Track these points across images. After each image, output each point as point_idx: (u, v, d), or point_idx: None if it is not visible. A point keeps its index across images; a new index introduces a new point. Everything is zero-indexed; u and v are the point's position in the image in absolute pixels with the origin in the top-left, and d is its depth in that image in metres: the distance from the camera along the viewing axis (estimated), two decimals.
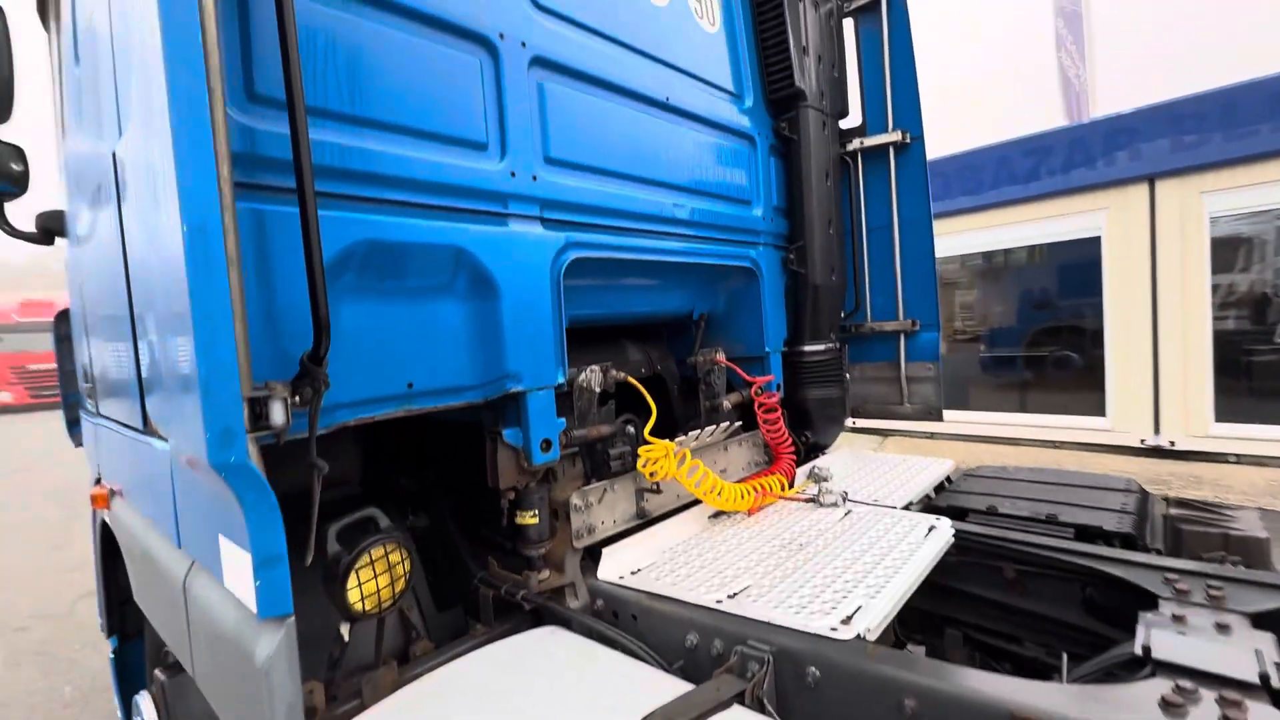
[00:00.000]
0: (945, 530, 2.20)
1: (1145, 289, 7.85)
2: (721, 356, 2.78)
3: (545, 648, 1.68)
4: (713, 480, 2.33)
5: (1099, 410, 8.34)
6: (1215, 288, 7.79)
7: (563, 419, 1.97)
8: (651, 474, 2.17)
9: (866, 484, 2.86)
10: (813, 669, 1.47)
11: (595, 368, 2.15)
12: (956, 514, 2.52)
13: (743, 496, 2.45)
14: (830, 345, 3.22)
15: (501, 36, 1.79)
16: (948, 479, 3.12)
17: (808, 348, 3.16)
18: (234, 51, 1.28)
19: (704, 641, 1.65)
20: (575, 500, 2.02)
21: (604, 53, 2.15)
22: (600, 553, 2.05)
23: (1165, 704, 1.20)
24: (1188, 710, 1.19)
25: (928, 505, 2.68)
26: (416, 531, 2.43)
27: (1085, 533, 2.22)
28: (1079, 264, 8.94)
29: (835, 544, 2.14)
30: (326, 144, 1.40)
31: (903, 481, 2.88)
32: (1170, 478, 6.89)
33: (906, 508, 2.59)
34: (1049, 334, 10.63)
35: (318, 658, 1.63)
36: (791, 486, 2.79)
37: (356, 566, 1.52)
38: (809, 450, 3.23)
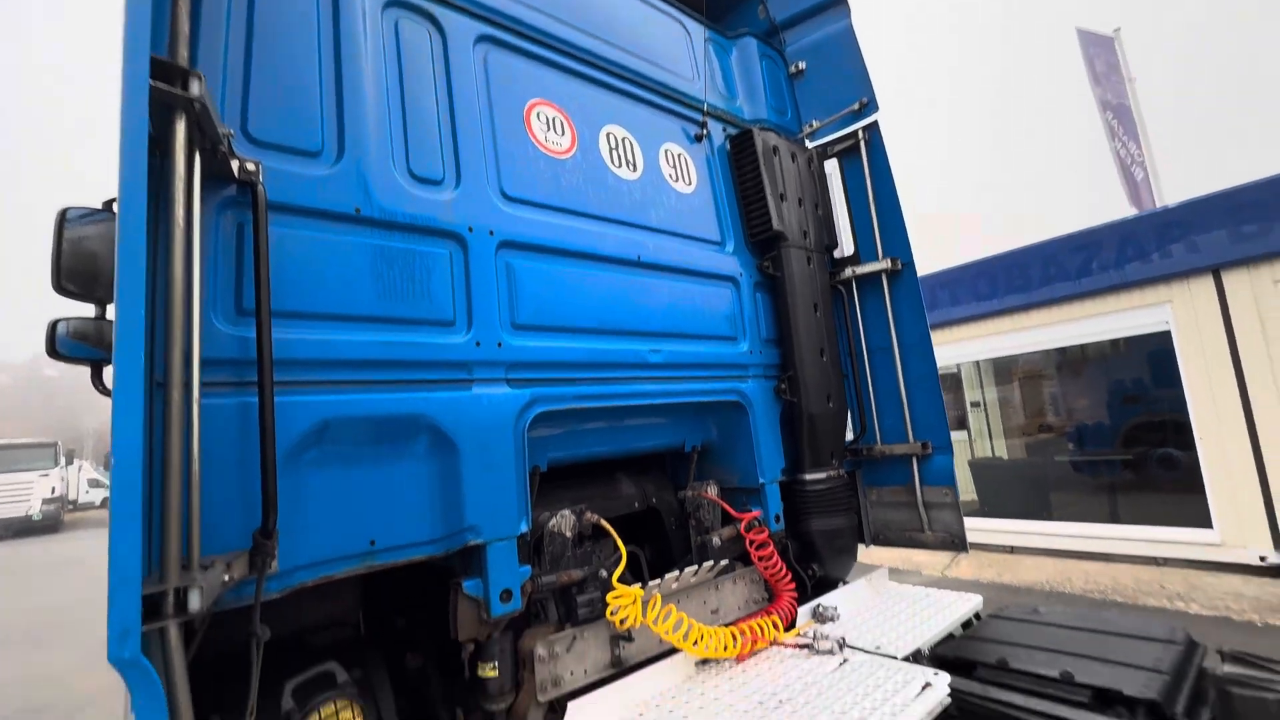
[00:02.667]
0: (940, 690, 2.03)
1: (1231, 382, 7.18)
2: (710, 491, 2.80)
3: None
4: (688, 626, 2.28)
5: (1205, 520, 7.41)
6: None
7: (528, 567, 2.05)
8: (621, 621, 2.16)
9: (876, 625, 2.69)
10: None
11: (567, 512, 2.23)
12: (964, 666, 2.31)
13: (729, 642, 2.37)
14: (834, 473, 3.16)
15: (470, 230, 2.09)
16: (976, 616, 2.87)
17: (809, 476, 3.11)
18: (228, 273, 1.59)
19: None
20: (540, 650, 2.03)
21: (572, 226, 2.43)
22: (568, 706, 2.03)
23: None
24: None
25: (937, 654, 2.47)
26: (413, 672, 2.48)
27: (1103, 696, 1.98)
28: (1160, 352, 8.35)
29: (818, 701, 2.02)
30: (291, 340, 1.66)
31: (918, 622, 2.69)
32: None
33: (913, 655, 2.40)
34: (1145, 429, 9.74)
35: None
36: (792, 627, 2.66)
37: None
38: (818, 585, 3.09)
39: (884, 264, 3.35)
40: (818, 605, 2.80)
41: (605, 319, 2.47)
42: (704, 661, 2.43)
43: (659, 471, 3.17)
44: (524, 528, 2.05)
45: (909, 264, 3.34)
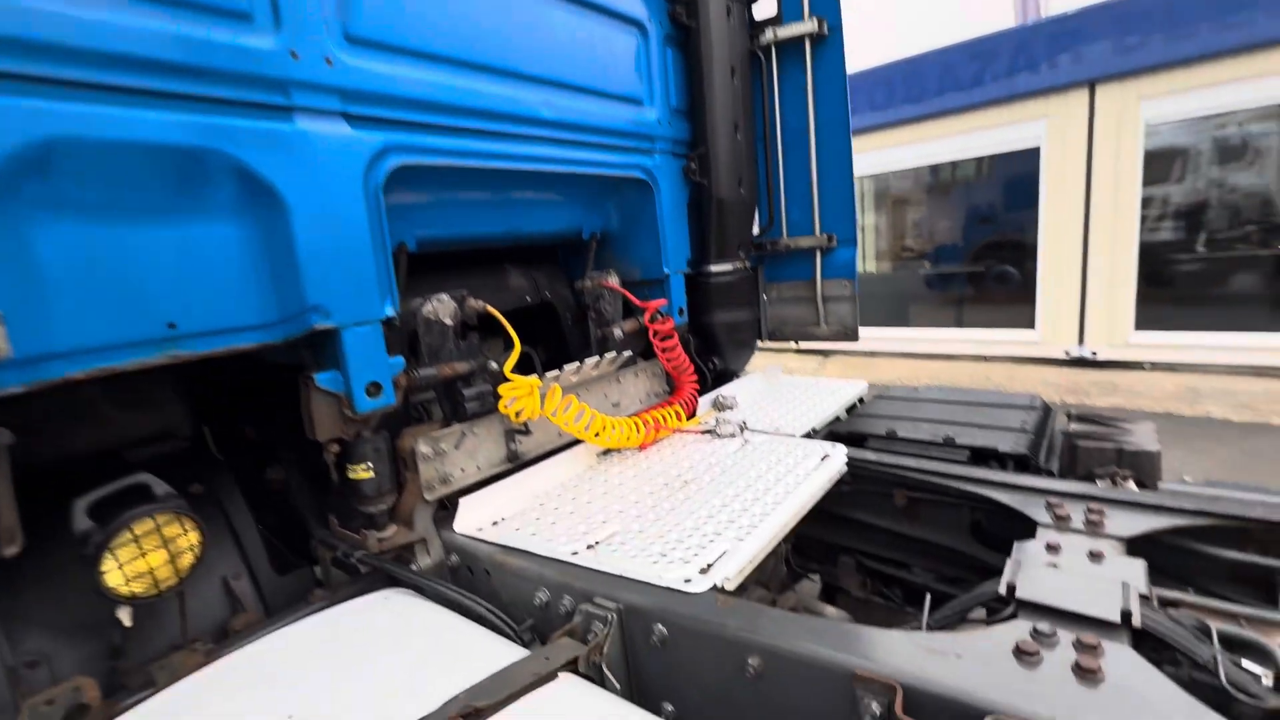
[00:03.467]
0: (838, 460, 2.07)
1: (1080, 201, 7.82)
2: (611, 280, 2.52)
3: (372, 616, 1.49)
4: (590, 417, 2.12)
5: (1030, 323, 8.51)
6: (1146, 200, 7.83)
7: (400, 359, 1.70)
8: (517, 414, 1.94)
9: (772, 411, 2.72)
10: (659, 627, 1.32)
11: (445, 297, 1.86)
12: (856, 439, 2.40)
13: (631, 432, 2.27)
14: (739, 265, 2.99)
15: None
16: (860, 401, 3.01)
17: (714, 268, 2.91)
18: None
19: (554, 599, 1.49)
20: (423, 448, 1.78)
21: None
22: (459, 502, 1.85)
23: (1019, 651, 1.09)
24: (1041, 658, 1.08)
25: (831, 431, 2.56)
26: (275, 484, 2.18)
27: (980, 455, 2.13)
28: (1023, 177, 8.82)
29: (722, 479, 1.99)
30: None
31: (811, 406, 2.75)
32: (1091, 387, 7.13)
33: (809, 434, 2.46)
34: (993, 248, 10.70)
35: (97, 648, 1.41)
36: (693, 417, 2.62)
37: (112, 545, 1.26)
38: (718, 377, 3.06)
39: (809, 25, 2.89)
40: (718, 395, 2.76)
41: (483, 50, 1.89)
42: (606, 452, 2.33)
43: (552, 265, 2.82)
44: (389, 312, 1.66)
45: (837, 28, 2.91)
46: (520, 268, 2.59)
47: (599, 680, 1.27)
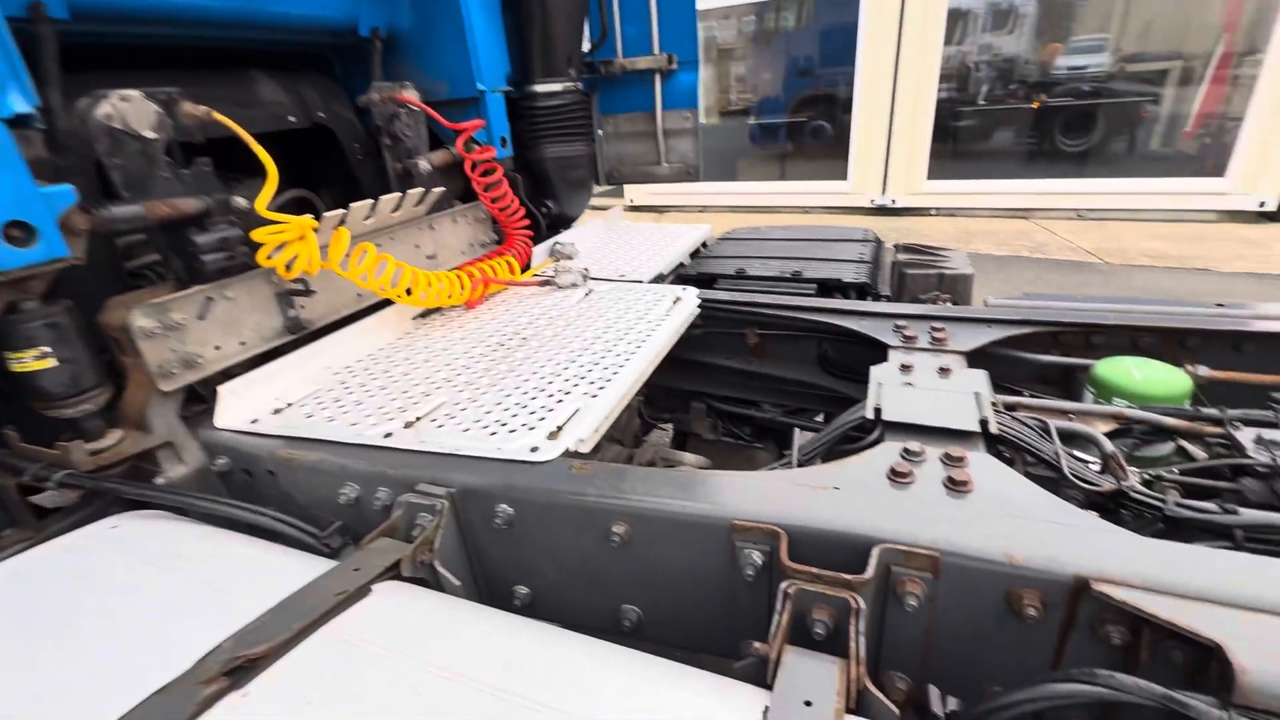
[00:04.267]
0: (690, 301, 1.90)
1: (891, 56, 8.06)
2: (410, 94, 1.94)
3: (97, 551, 1.06)
4: (398, 271, 1.69)
5: (843, 175, 9.01)
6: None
7: (67, 188, 1.11)
8: (287, 267, 1.45)
9: (616, 258, 2.46)
10: (504, 507, 1.08)
11: (135, 94, 1.23)
12: (706, 281, 2.26)
13: (455, 288, 1.88)
14: (571, 85, 2.52)
15: None
16: (704, 244, 2.86)
17: (540, 88, 2.42)
18: None
19: (365, 494, 1.17)
20: (141, 321, 1.25)
21: None
22: (217, 391, 1.38)
23: (894, 474, 1.02)
24: (915, 477, 1.02)
25: (679, 275, 2.39)
26: None
27: (826, 287, 2.09)
28: (838, 29, 8.83)
29: (568, 332, 1.73)
30: None
31: (656, 251, 2.53)
32: (891, 233, 7.86)
33: (657, 279, 2.26)
34: (810, 102, 10.96)
35: None
36: (528, 269, 2.28)
37: None
38: (552, 224, 2.69)
39: None
40: (555, 243, 2.42)
41: None
42: (426, 314, 1.93)
43: (324, 78, 2.13)
44: (19, 107, 1.04)
45: None
46: (276, 77, 1.90)
47: (433, 581, 1.02)
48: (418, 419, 1.30)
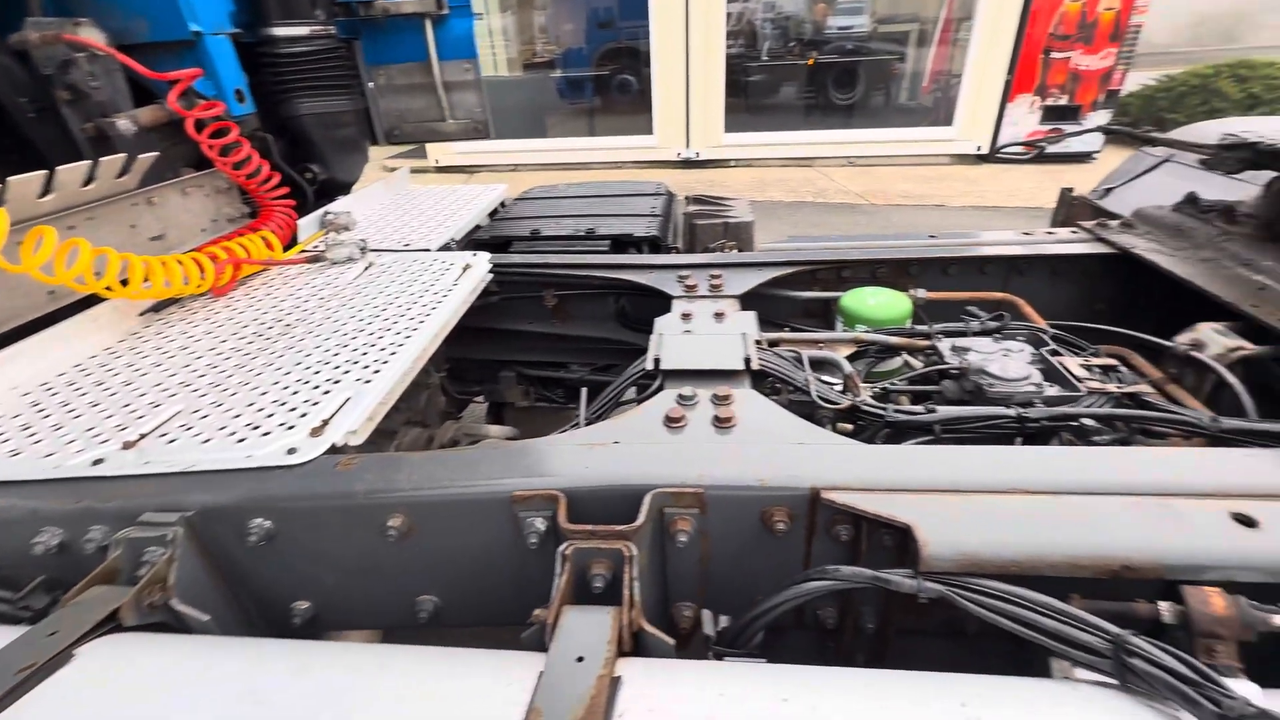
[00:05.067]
0: (481, 267, 1.81)
1: (681, 10, 8.26)
2: (88, 35, 1.55)
3: None
4: (100, 258, 1.38)
5: (649, 129, 9.20)
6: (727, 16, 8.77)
7: None
8: None
9: (401, 226, 2.27)
10: (259, 522, 0.95)
11: None
12: (500, 244, 2.17)
13: (194, 274, 1.59)
14: (321, 29, 2.20)
15: None
16: (502, 205, 2.74)
17: (280, 31, 2.08)
18: None
19: (73, 538, 0.96)
20: None
21: None
22: None
23: (668, 420, 1.08)
24: (687, 420, 1.08)
25: (472, 240, 2.27)
26: None
27: (619, 243, 2.12)
28: None
29: (341, 313, 1.56)
30: None
31: (447, 216, 2.37)
32: (697, 184, 8.26)
33: (448, 247, 2.12)
34: (613, 55, 10.93)
35: None
36: (293, 245, 2.01)
37: None
38: (323, 192, 2.39)
39: None
40: (325, 213, 2.15)
41: None
42: (159, 308, 1.62)
43: None
44: None
45: None
46: None
47: (175, 623, 0.87)
48: (141, 436, 1.09)
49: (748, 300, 1.67)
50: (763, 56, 10.44)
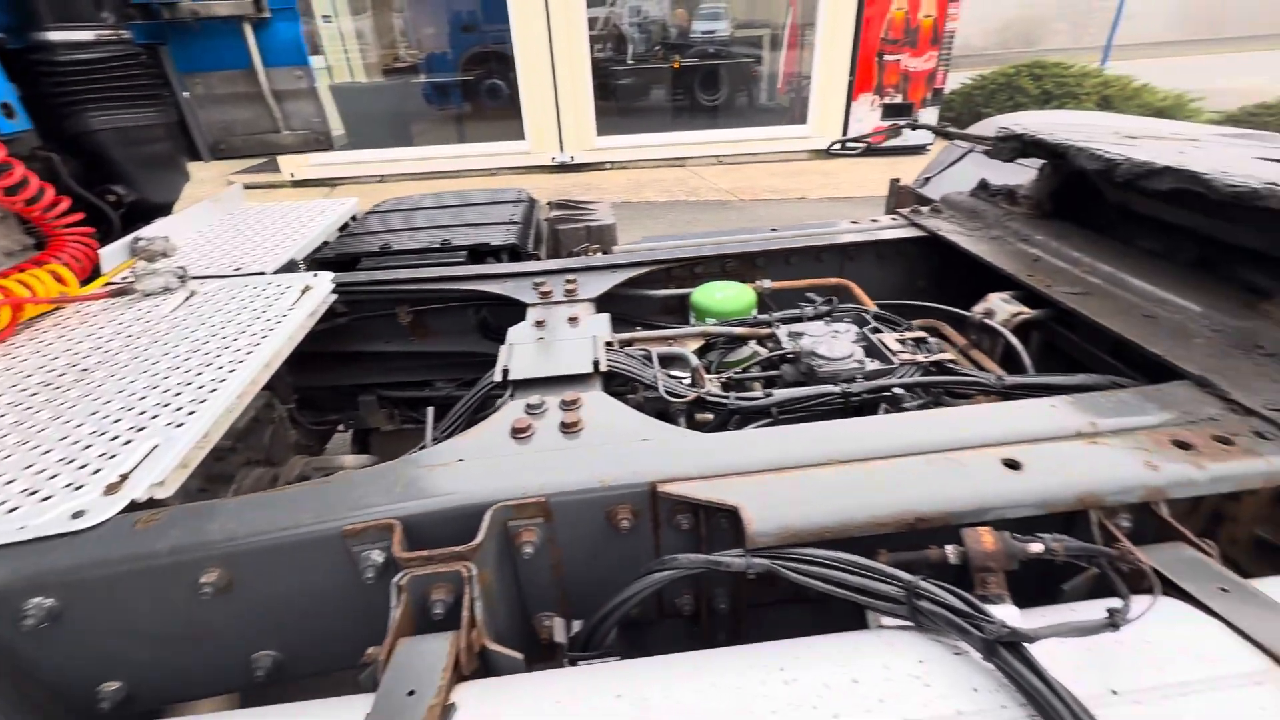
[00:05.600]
0: (323, 288, 1.70)
1: (541, 14, 8.23)
2: None
3: None
4: None
5: (521, 134, 9.08)
6: (592, 20, 8.85)
7: None
8: None
9: (233, 248, 2.07)
10: (38, 601, 0.83)
11: None
12: (347, 263, 2.04)
13: None
14: (110, 33, 1.96)
15: None
16: (353, 219, 2.59)
17: (56, 36, 1.83)
18: None
19: None
20: None
21: None
22: None
23: (515, 431, 1.06)
24: (535, 429, 1.08)
25: (316, 259, 2.12)
26: None
27: (477, 253, 2.07)
28: None
29: (151, 350, 1.39)
30: None
31: (288, 235, 2.19)
32: (574, 188, 8.26)
33: (287, 267, 1.97)
34: (480, 59, 10.67)
35: None
36: (96, 276, 1.77)
37: None
38: (133, 215, 2.12)
39: None
40: (135, 240, 1.92)
41: None
42: None
43: None
44: None
45: None
46: None
47: None
48: None
49: (605, 302, 1.70)
50: (628, 60, 10.64)
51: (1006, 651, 0.64)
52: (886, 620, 0.77)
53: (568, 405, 1.13)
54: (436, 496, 0.92)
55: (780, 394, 1.22)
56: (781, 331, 1.45)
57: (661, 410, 1.32)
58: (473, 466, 0.99)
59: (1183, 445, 0.92)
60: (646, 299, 1.85)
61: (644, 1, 10.75)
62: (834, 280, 1.86)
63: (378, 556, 0.88)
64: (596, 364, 1.25)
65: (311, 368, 1.96)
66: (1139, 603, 0.73)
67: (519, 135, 9.10)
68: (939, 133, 2.08)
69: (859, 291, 1.79)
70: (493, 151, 9.15)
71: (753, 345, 1.55)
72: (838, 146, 2.02)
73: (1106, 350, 1.34)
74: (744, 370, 1.44)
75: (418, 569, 0.82)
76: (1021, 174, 2.04)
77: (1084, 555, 0.75)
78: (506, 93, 9.89)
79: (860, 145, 2.01)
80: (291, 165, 8.64)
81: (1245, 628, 0.69)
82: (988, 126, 2.41)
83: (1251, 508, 1.03)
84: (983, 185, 1.98)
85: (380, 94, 11.05)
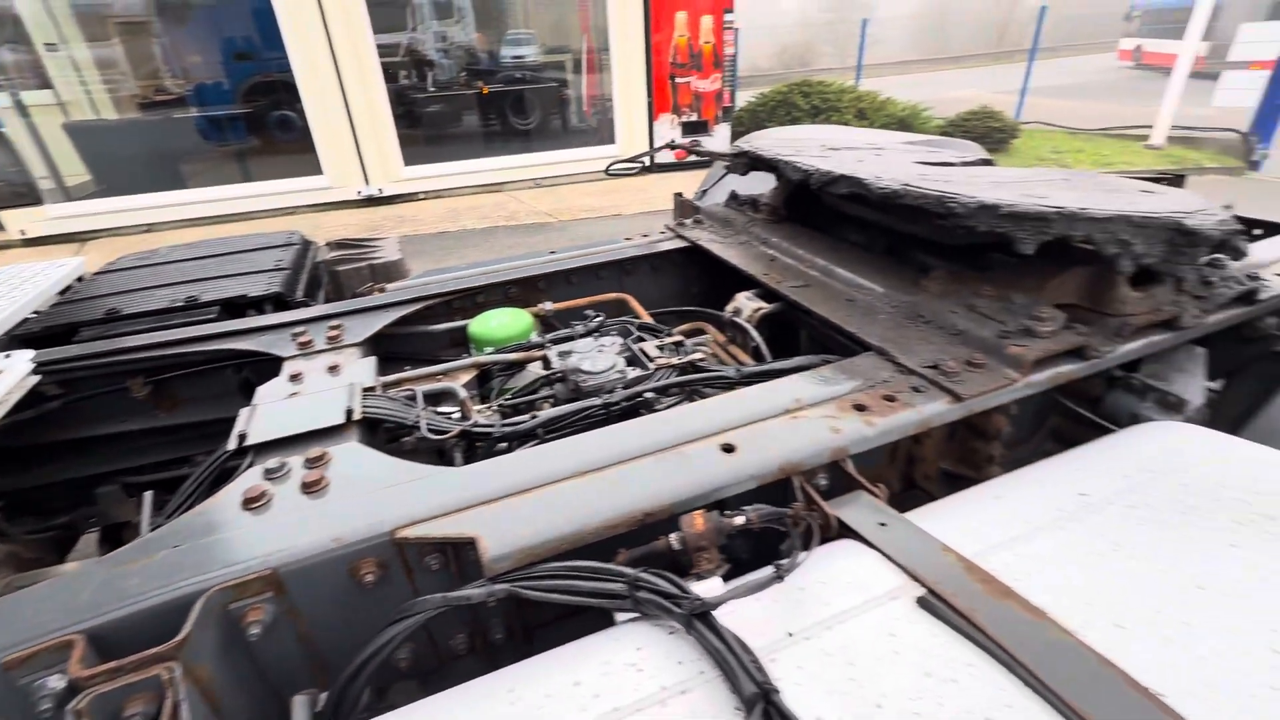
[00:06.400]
0: (19, 369, 1.43)
1: (322, 40, 7.72)
2: None
3: None
4: None
5: (318, 168, 8.43)
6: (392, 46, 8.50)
7: None
8: None
9: None
10: None
11: None
12: (60, 336, 1.74)
13: None
14: None
15: None
16: (79, 280, 2.21)
17: None
18: None
19: None
20: None
21: None
22: None
23: (248, 502, 0.97)
24: (272, 495, 0.99)
25: (18, 335, 1.78)
26: None
27: (233, 307, 1.88)
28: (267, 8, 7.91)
29: None
30: None
31: None
32: (385, 222, 7.83)
33: None
34: (262, 90, 9.70)
35: None
36: None
37: None
38: None
39: None
40: None
41: None
42: None
43: None
44: None
45: None
46: None
47: None
48: None
49: (380, 344, 1.63)
50: (432, 87, 10.35)
51: (699, 622, 0.72)
52: (621, 616, 0.82)
53: (312, 463, 1.06)
54: (136, 597, 0.81)
55: (544, 414, 1.25)
56: (552, 352, 1.49)
57: (440, 449, 1.29)
58: (187, 552, 0.89)
59: (860, 408, 1.09)
60: (428, 335, 1.80)
61: (449, 27, 10.55)
62: (613, 295, 1.96)
63: (56, 683, 0.75)
64: (350, 413, 1.19)
65: (23, 464, 1.64)
66: (826, 550, 0.85)
67: (316, 169, 8.42)
68: (694, 151, 2.30)
69: (635, 304, 1.90)
70: (287, 189, 8.37)
71: (536, 369, 1.58)
72: (624, 167, 2.15)
73: (833, 332, 1.55)
74: (525, 394, 1.46)
75: (103, 685, 0.71)
76: (769, 183, 2.31)
77: (773, 518, 0.87)
78: (300, 124, 9.12)
79: (636, 165, 2.17)
80: (21, 221, 7.17)
81: (891, 553, 0.83)
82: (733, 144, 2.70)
83: (930, 447, 1.26)
84: (733, 196, 2.21)
85: (139, 131, 9.61)
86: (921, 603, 0.76)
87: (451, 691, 0.74)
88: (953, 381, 1.13)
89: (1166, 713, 0.60)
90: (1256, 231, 1.78)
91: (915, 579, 0.79)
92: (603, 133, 10.05)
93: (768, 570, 0.76)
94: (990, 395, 1.12)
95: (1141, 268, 1.18)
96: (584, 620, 1.08)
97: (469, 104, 10.80)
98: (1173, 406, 1.23)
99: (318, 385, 1.34)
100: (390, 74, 8.95)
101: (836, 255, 1.71)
